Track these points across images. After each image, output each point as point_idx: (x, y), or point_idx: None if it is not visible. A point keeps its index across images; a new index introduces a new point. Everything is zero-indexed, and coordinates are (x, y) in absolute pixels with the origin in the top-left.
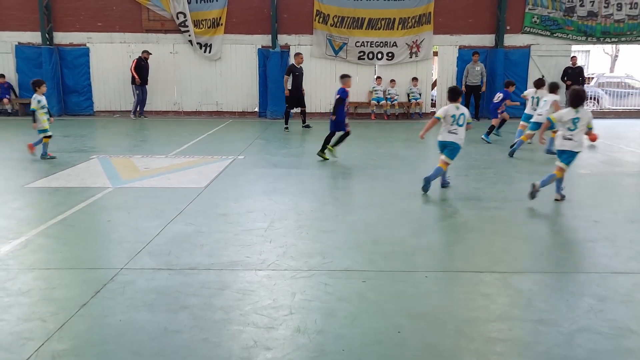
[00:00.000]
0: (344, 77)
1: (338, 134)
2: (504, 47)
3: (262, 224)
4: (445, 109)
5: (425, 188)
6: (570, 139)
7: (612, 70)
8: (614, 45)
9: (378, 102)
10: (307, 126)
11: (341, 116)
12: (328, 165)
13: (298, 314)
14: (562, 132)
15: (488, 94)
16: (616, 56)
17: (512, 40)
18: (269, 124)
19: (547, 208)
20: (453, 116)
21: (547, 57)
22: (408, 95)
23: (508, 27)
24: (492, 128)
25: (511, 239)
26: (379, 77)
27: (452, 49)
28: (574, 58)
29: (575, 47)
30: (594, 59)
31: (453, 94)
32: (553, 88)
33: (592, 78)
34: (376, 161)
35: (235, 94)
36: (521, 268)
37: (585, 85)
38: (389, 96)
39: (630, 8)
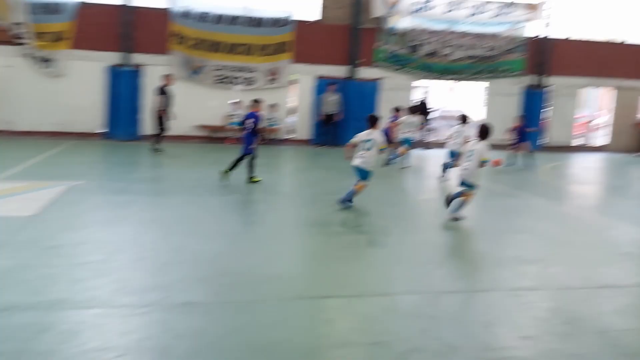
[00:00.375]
0: (256, 101)
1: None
2: (357, 79)
3: (98, 257)
4: (359, 135)
5: (345, 205)
6: (465, 169)
7: (449, 105)
8: (452, 82)
9: (235, 126)
10: (159, 150)
11: (253, 140)
12: (177, 193)
13: (129, 356)
14: (463, 162)
15: (342, 123)
16: (453, 91)
17: (365, 73)
18: (116, 146)
19: (387, 233)
20: (363, 141)
21: (395, 90)
22: (266, 122)
23: (361, 61)
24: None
25: (355, 264)
26: (237, 102)
27: (310, 78)
28: (422, 92)
29: (419, 82)
30: (436, 93)
31: (369, 121)
32: (414, 110)
33: (435, 111)
34: (230, 187)
35: (80, 113)
36: (362, 292)
37: (429, 116)
38: None
39: (465, 50)
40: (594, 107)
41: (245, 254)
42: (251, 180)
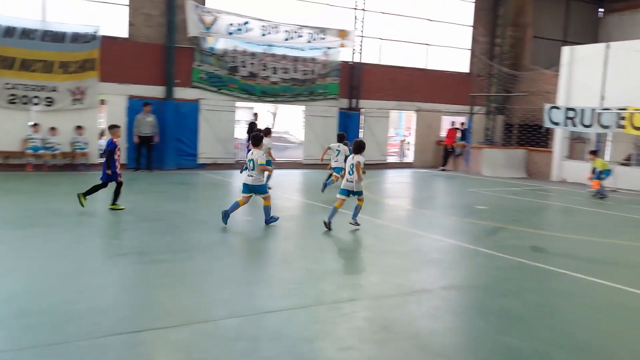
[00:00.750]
0: (112, 127)
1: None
2: (174, 99)
3: None
4: (248, 155)
5: (225, 220)
6: (350, 181)
7: (273, 126)
8: (273, 104)
9: (35, 151)
10: None
11: (113, 167)
12: None
13: None
14: (347, 175)
15: (160, 145)
16: (275, 114)
17: (182, 93)
18: None
19: (209, 257)
20: (249, 161)
21: (215, 111)
22: (72, 145)
23: (177, 81)
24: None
25: (176, 292)
26: (36, 124)
27: (122, 98)
28: (255, 115)
29: (241, 104)
30: (261, 115)
31: (254, 140)
32: (267, 133)
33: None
34: (31, 219)
35: None
36: (183, 320)
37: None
38: (48, 145)
39: (283, 73)
40: (403, 127)
41: (50, 290)
42: (112, 206)
